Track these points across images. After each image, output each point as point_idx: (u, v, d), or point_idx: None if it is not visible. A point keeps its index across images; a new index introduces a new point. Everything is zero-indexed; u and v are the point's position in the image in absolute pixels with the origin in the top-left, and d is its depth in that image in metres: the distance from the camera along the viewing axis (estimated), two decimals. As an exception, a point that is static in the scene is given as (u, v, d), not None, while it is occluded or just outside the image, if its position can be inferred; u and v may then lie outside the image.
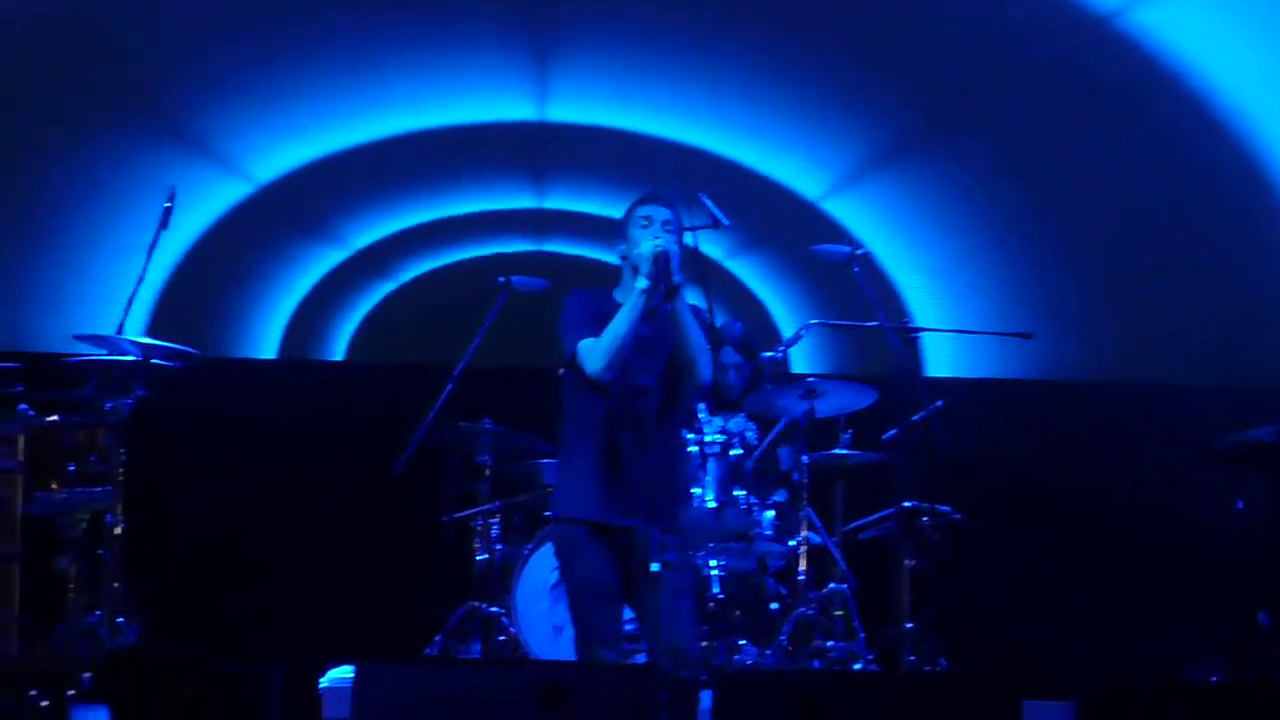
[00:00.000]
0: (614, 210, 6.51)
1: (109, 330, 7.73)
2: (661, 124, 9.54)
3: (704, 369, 6.15)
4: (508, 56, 9.43)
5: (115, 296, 8.55)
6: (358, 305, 9.68)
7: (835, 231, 9.39)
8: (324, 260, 9.63)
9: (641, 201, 6.24)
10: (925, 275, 9.58)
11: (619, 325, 6.04)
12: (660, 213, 6.17)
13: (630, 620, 6.51)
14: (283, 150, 9.48)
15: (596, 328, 6.10)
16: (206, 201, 9.16)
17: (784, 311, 9.61)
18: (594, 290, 6.31)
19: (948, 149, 9.55)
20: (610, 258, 6.38)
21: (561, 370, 6.25)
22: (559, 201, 9.67)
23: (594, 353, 6.07)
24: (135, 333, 7.97)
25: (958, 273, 9.60)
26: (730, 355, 8.18)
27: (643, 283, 6.03)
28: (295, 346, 9.58)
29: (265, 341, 9.56)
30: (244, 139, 9.41)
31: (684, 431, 7.60)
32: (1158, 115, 9.41)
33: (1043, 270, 9.58)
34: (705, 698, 5.99)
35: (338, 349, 9.63)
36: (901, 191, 9.57)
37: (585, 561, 6.11)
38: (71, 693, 4.42)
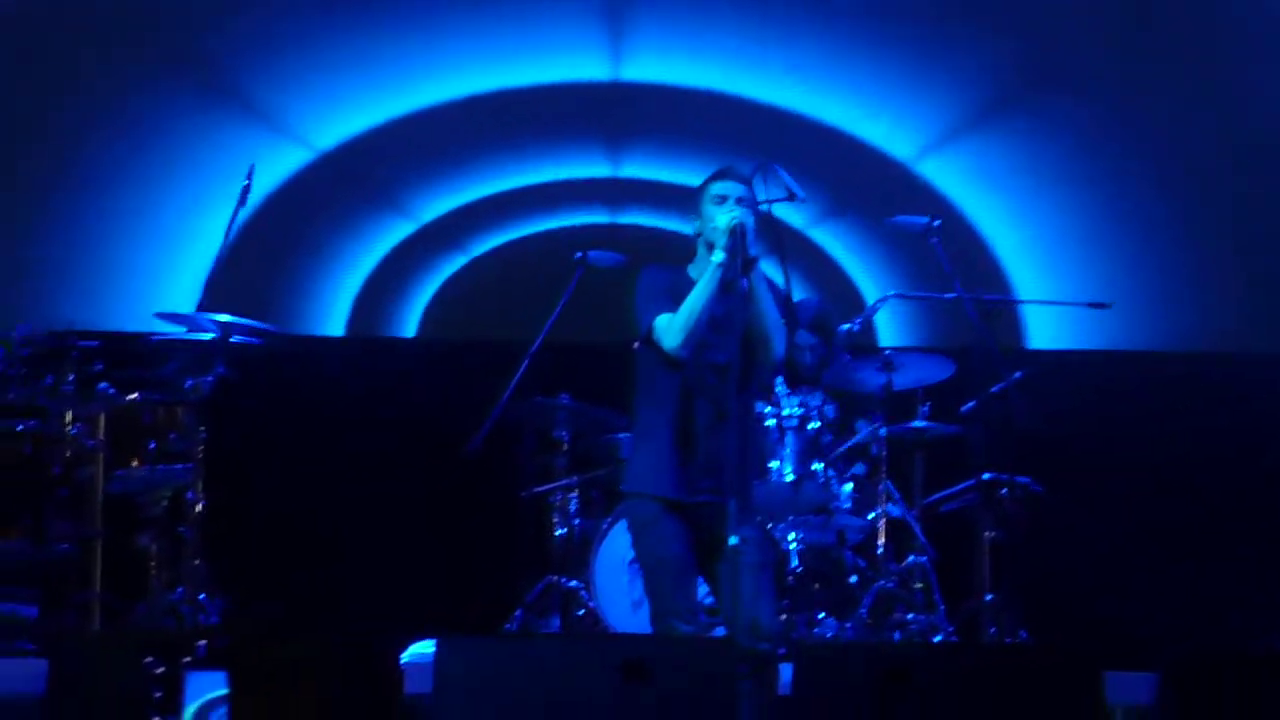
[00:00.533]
0: (690, 178, 6.56)
1: (186, 308, 7.84)
2: (742, 82, 9.47)
3: (778, 345, 6.24)
4: (579, 10, 9.40)
5: (177, 271, 8.69)
6: (429, 280, 9.66)
7: (926, 195, 9.36)
8: (392, 233, 9.61)
9: (715, 178, 6.33)
10: (1023, 240, 9.53)
11: (696, 300, 6.14)
12: (735, 189, 6.26)
13: (708, 594, 6.61)
14: (344, 115, 9.45)
15: (672, 303, 6.20)
16: (264, 170, 8.85)
17: (868, 281, 9.56)
18: (669, 266, 6.41)
19: (1049, 108, 9.47)
20: (687, 228, 6.47)
21: (636, 345, 6.35)
22: (634, 169, 9.63)
23: (671, 328, 6.17)
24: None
25: (1058, 237, 9.52)
26: (805, 336, 8.22)
27: (719, 255, 6.13)
28: (364, 323, 9.59)
29: (332, 318, 9.56)
30: (302, 103, 9.39)
31: (760, 406, 7.68)
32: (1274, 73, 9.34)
33: (1146, 237, 9.51)
34: (784, 671, 6.08)
35: (409, 325, 9.64)
36: (999, 152, 9.50)
37: (659, 536, 6.22)
38: (187, 660, 4.57)
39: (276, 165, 9.32)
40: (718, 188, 6.29)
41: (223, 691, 4.59)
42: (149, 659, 4.57)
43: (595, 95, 9.52)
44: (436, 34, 9.38)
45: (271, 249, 9.30)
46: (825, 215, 9.54)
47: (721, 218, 6.18)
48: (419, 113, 9.45)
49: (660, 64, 9.51)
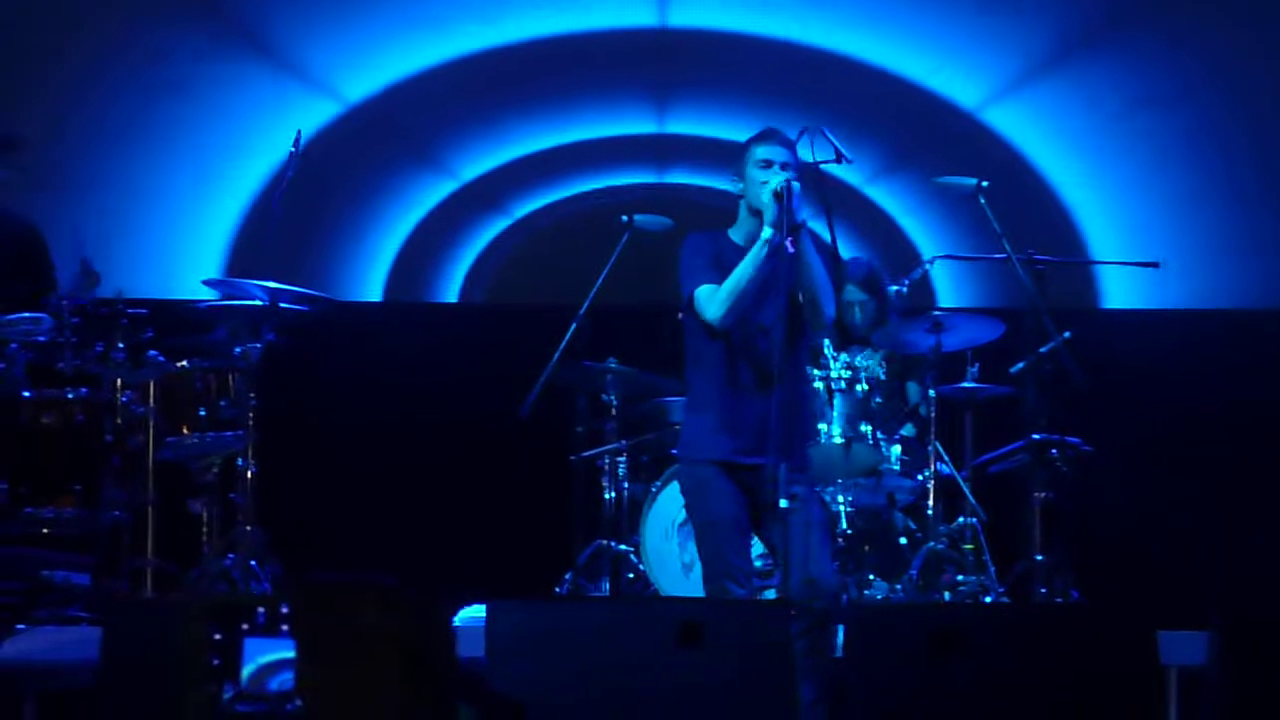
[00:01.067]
0: (740, 133, 6.60)
1: (213, 271, 7.89)
2: (796, 26, 9.37)
3: (827, 307, 6.36)
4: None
5: (204, 234, 8.71)
6: (470, 244, 9.63)
7: (993, 145, 9.32)
8: (430, 192, 9.56)
9: (758, 140, 6.43)
10: (1095, 193, 9.43)
11: (741, 275, 6.27)
12: (779, 153, 6.36)
13: (760, 556, 6.70)
14: (374, 63, 9.37)
15: (714, 272, 6.32)
16: (290, 123, 8.56)
17: (926, 238, 9.49)
18: (710, 233, 6.51)
19: (1127, 49, 9.35)
20: (730, 188, 6.55)
21: (680, 315, 6.46)
22: (681, 125, 9.55)
23: (714, 300, 6.30)
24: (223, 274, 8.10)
25: (1134, 190, 9.42)
26: (854, 293, 8.28)
27: (768, 232, 6.22)
28: (403, 288, 9.57)
29: (369, 282, 9.55)
30: (330, 50, 9.32)
31: (809, 368, 7.77)
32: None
33: (1229, 188, 9.40)
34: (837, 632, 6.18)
35: (449, 291, 9.63)
36: (1073, 100, 9.38)
37: (713, 498, 6.38)
38: (246, 626, 4.66)
39: (305, 119, 9.02)
40: (761, 152, 6.38)
41: (280, 655, 4.69)
42: (207, 626, 4.65)
43: (641, 42, 9.44)
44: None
45: (302, 209, 9.06)
46: (882, 170, 9.51)
47: (766, 188, 6.26)
48: (454, 61, 9.38)
49: (710, 8, 9.43)
